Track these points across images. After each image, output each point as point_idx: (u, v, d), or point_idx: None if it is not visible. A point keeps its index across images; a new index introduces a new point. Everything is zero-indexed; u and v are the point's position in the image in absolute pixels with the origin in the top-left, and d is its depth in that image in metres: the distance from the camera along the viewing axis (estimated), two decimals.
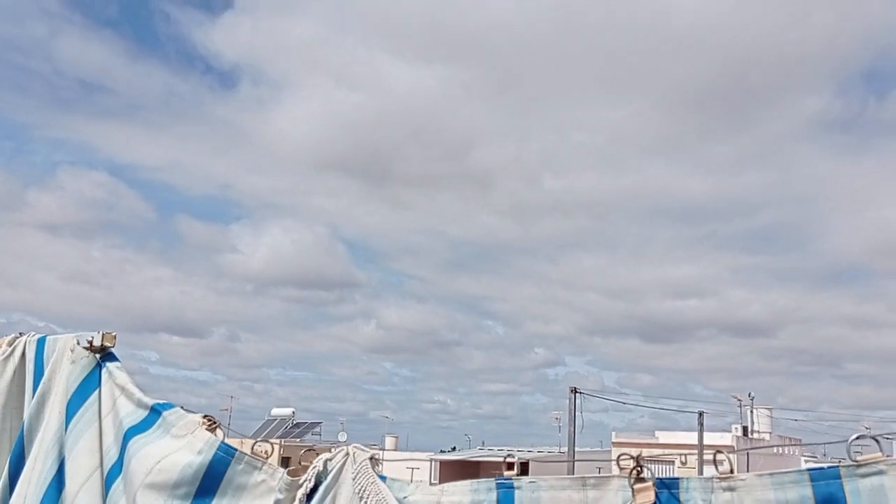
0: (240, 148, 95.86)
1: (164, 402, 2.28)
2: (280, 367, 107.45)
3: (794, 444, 41.76)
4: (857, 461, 1.52)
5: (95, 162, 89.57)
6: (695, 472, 32.53)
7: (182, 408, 2.25)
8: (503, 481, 1.70)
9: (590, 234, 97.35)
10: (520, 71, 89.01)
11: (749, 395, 39.33)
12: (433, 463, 40.00)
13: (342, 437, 47.79)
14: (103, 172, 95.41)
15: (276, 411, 46.88)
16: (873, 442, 1.60)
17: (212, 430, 2.20)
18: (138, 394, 2.28)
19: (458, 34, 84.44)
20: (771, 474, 1.56)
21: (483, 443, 50.51)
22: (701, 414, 29.59)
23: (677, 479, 1.63)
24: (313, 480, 1.91)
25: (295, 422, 46.38)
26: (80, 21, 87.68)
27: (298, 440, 45.98)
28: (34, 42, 78.44)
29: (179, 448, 2.14)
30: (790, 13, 76.07)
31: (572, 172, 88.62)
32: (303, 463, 2.01)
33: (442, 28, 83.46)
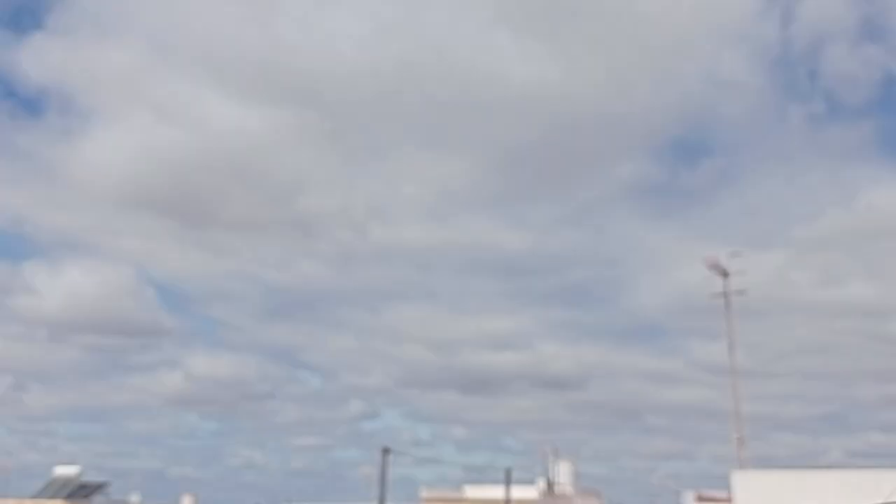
0: (40, 180, 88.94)
1: None
2: (70, 421, 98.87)
3: None
4: None
5: None
6: None
7: None
8: None
9: (412, 285, 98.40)
10: (353, 120, 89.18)
11: (554, 449, 40.49)
12: None
13: (134, 498, 44.30)
14: None
15: (59, 470, 42.78)
16: None
17: None
18: None
19: (293, 78, 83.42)
20: None
21: (290, 500, 48.63)
22: (508, 471, 30.03)
23: None
24: None
25: (81, 482, 42.48)
26: None
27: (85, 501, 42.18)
28: None
29: None
30: (614, 86, 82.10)
31: (399, 224, 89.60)
32: None
33: (276, 70, 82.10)
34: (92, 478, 44.10)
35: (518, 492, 35.20)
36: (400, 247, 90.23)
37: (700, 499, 37.61)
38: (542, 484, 39.00)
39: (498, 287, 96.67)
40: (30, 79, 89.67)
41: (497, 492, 33.93)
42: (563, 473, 40.71)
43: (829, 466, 24.09)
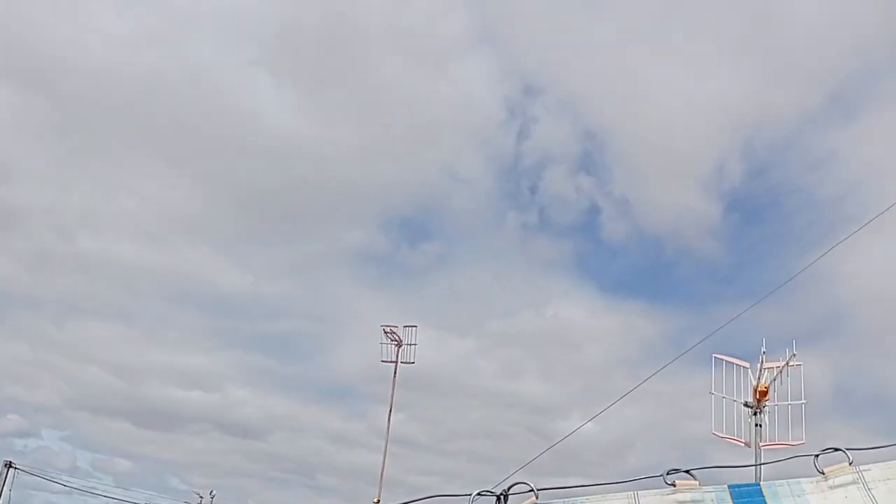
0: None
1: None
2: None
3: None
4: None
5: None
6: None
7: None
8: None
9: (110, 303, 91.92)
10: (87, 120, 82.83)
11: (210, 493, 40.10)
12: None
13: None
14: None
15: None
16: None
17: None
18: None
19: (27, 57, 76.19)
20: None
21: None
22: None
23: None
24: None
25: None
26: None
27: None
28: None
29: None
30: (360, 156, 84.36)
31: (111, 236, 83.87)
32: None
33: (16, 44, 74.58)
34: None
35: None
36: (106, 261, 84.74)
37: None
38: None
39: (203, 323, 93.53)
40: None
41: None
42: None
43: None
